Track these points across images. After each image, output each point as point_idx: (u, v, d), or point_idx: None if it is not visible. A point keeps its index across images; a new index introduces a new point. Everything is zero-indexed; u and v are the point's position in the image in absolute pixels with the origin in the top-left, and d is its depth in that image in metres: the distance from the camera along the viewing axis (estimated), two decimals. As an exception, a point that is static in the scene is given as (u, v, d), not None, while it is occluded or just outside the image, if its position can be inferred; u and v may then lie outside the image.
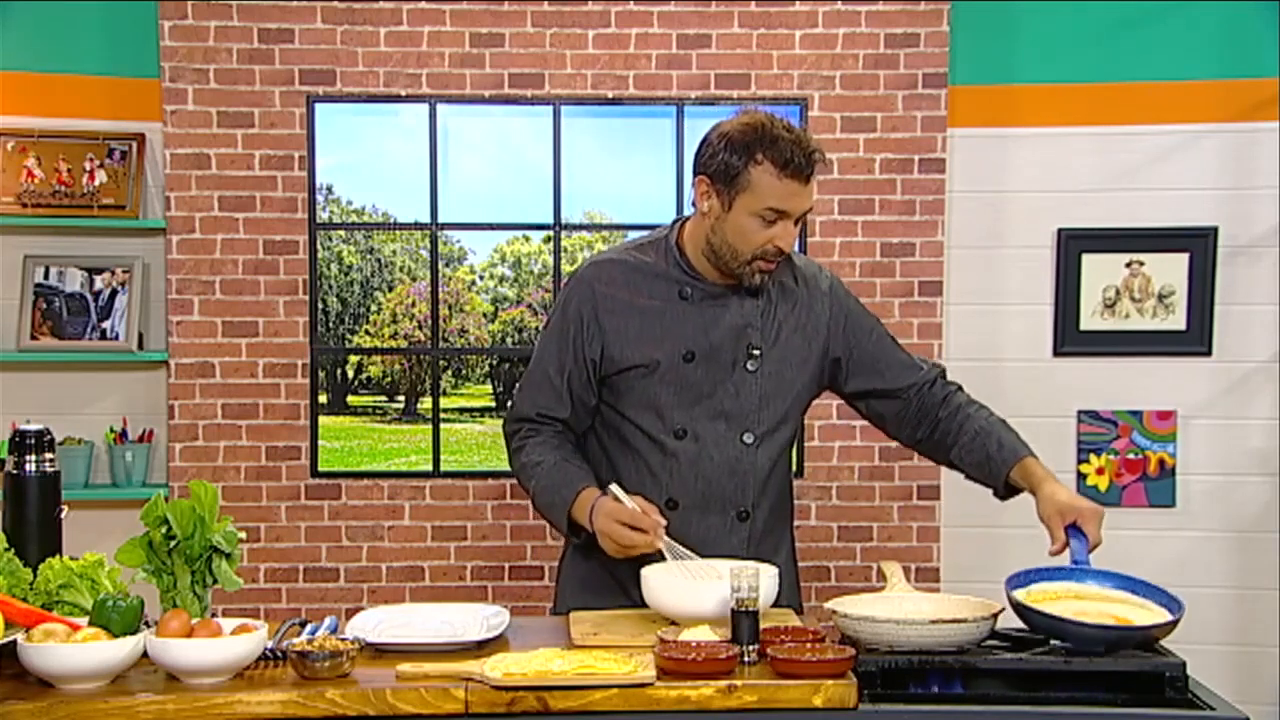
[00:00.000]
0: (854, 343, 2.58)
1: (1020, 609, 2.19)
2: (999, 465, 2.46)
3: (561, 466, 2.48)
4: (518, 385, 2.61)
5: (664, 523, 2.37)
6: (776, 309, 2.51)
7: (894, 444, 4.09)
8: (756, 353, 2.48)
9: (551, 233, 4.20)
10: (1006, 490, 2.50)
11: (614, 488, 2.41)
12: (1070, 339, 4.27)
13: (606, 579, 2.52)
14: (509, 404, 2.63)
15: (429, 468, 4.22)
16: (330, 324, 4.19)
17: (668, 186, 4.19)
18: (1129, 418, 4.27)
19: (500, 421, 4.12)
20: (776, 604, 2.35)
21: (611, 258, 2.56)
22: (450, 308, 4.21)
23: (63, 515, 2.34)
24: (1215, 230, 4.21)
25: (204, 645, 1.95)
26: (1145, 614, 2.20)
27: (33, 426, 2.34)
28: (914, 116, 4.17)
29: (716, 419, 2.49)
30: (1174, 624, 2.15)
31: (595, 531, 2.40)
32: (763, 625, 2.13)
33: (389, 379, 4.23)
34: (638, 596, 2.33)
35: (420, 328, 4.21)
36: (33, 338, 4.15)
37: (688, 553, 2.37)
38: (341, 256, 4.19)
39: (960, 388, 2.60)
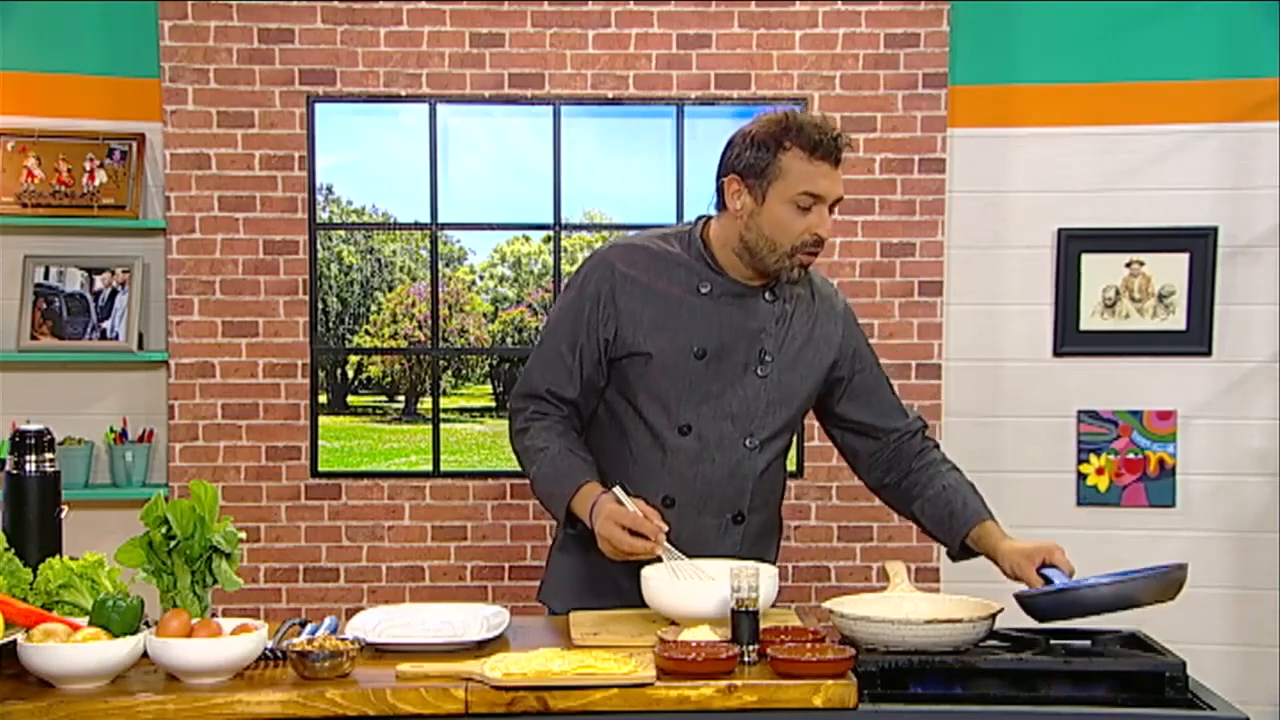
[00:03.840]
0: (858, 368, 2.60)
1: (1028, 600, 2.20)
2: (960, 523, 2.49)
3: (565, 456, 2.47)
4: (528, 359, 2.60)
5: (666, 528, 2.35)
6: (792, 319, 2.52)
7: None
8: (768, 359, 2.48)
9: (551, 233, 4.21)
10: (961, 551, 2.53)
11: (617, 489, 2.39)
12: (1070, 339, 4.27)
13: (599, 572, 2.50)
14: (517, 378, 2.60)
15: (429, 468, 4.22)
16: (330, 324, 4.20)
17: (668, 186, 4.19)
18: (1129, 418, 4.27)
19: (501, 421, 4.15)
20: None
21: (634, 242, 2.55)
22: (450, 308, 4.21)
23: (63, 515, 2.34)
24: (1215, 230, 4.21)
25: (204, 645, 1.95)
26: None
27: (33, 426, 2.34)
28: (914, 116, 4.17)
29: (723, 420, 2.48)
30: (1179, 578, 2.14)
31: (594, 532, 2.39)
32: (763, 625, 2.13)
33: (389, 379, 4.23)
34: (628, 590, 2.33)
35: (420, 328, 4.21)
36: (33, 338, 4.15)
37: (688, 560, 2.36)
38: (341, 256, 4.19)
39: (937, 445, 2.65)
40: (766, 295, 2.49)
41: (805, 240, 2.40)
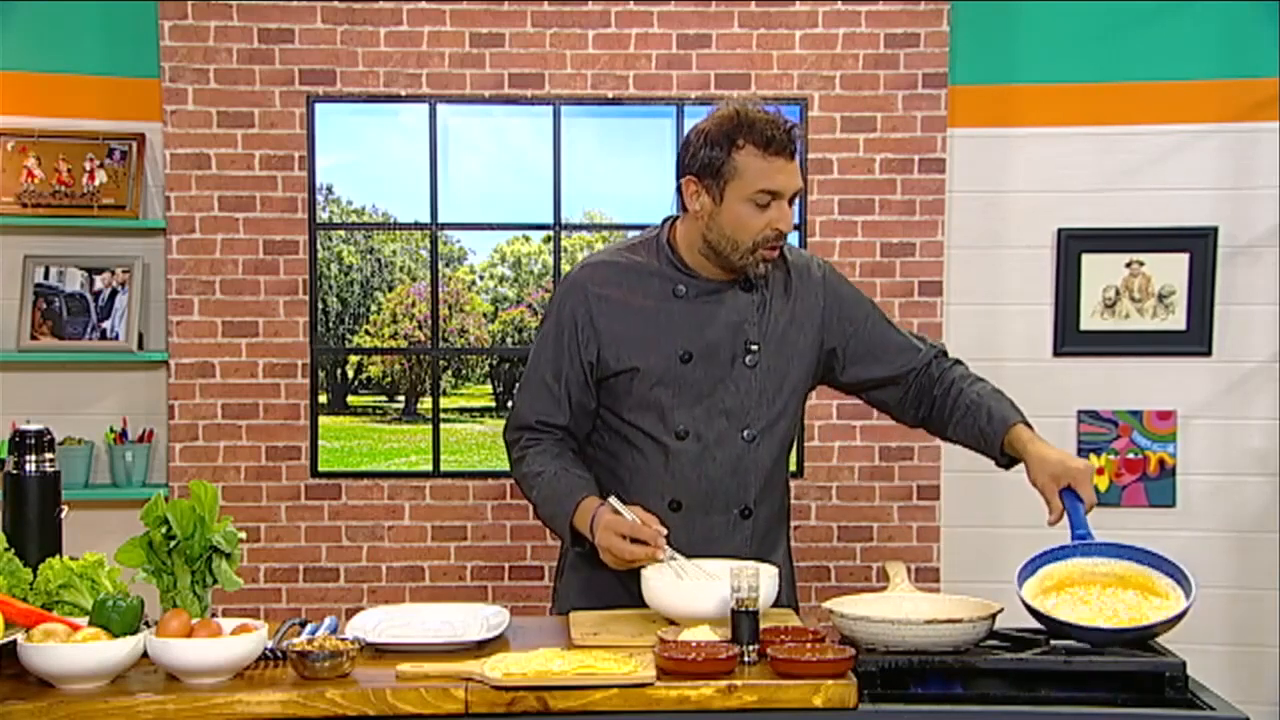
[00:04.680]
0: (850, 331, 2.56)
1: (1031, 612, 2.20)
2: (991, 437, 2.46)
3: (562, 476, 2.47)
4: (515, 392, 2.60)
5: (665, 532, 2.34)
6: (771, 303, 2.50)
7: (894, 444, 4.15)
8: (754, 348, 2.48)
9: (551, 233, 4.20)
10: (1006, 459, 2.49)
11: (612, 500, 2.39)
12: (1070, 339, 4.27)
13: (611, 584, 2.49)
14: (509, 410, 2.60)
15: (429, 468, 4.22)
16: (330, 324, 4.20)
17: (668, 186, 4.13)
18: (1129, 418, 4.27)
19: (500, 421, 4.14)
20: (776, 603, 2.34)
21: (603, 259, 2.55)
22: (450, 308, 4.21)
23: (63, 515, 2.34)
24: (1215, 230, 4.21)
25: (204, 645, 1.95)
26: (1157, 598, 2.20)
27: (33, 426, 2.34)
28: (914, 116, 4.17)
29: (718, 417, 2.48)
30: (1184, 612, 2.15)
31: (596, 545, 2.39)
32: (763, 625, 2.13)
33: (389, 379, 4.23)
34: (642, 602, 2.32)
35: (420, 328, 4.21)
36: (33, 338, 4.15)
37: (687, 563, 2.35)
38: (341, 256, 4.19)
39: (958, 361, 2.60)
40: (742, 286, 2.48)
41: (767, 236, 2.39)
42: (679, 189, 2.45)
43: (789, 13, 4.16)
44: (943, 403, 2.54)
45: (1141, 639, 2.15)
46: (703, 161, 2.38)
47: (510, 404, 2.63)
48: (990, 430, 2.45)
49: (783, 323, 2.51)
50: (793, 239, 2.50)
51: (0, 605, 2.02)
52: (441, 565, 4.21)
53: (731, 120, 2.37)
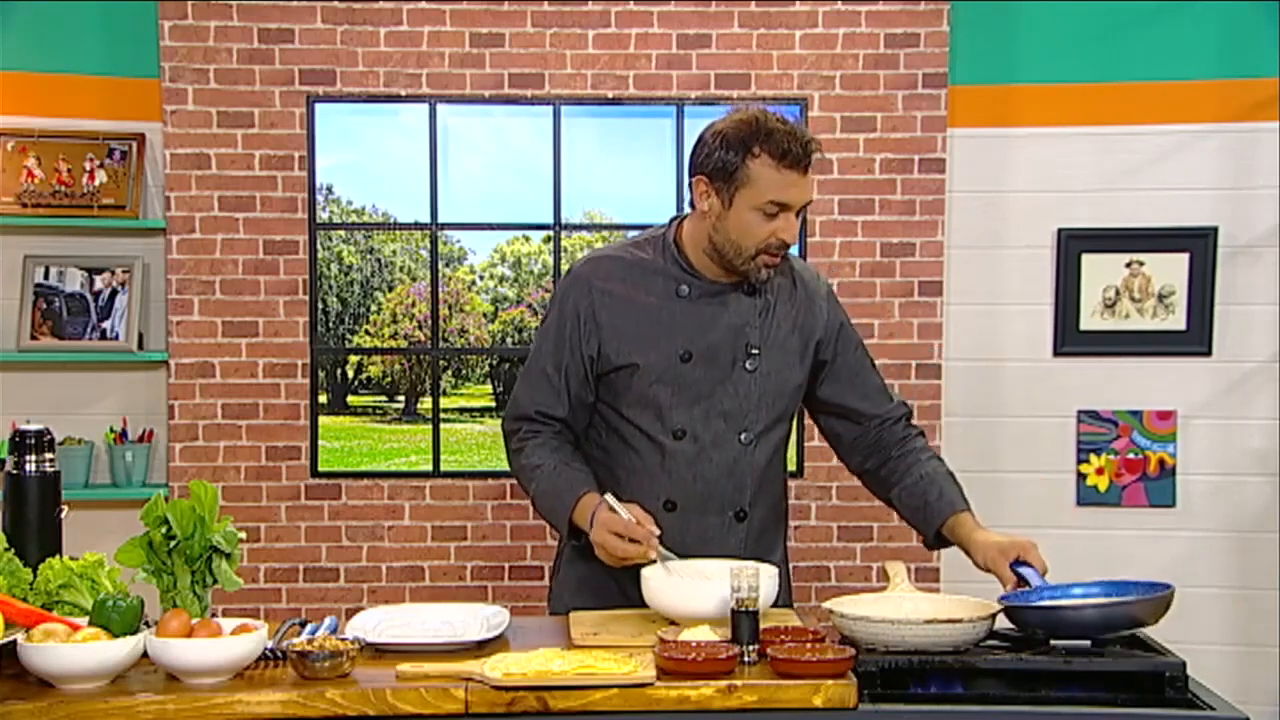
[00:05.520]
0: (840, 350, 2.58)
1: (1013, 611, 2.19)
2: (935, 514, 2.48)
3: (562, 470, 2.47)
4: (516, 383, 2.61)
5: (658, 532, 2.35)
6: (775, 308, 2.51)
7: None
8: (755, 352, 2.48)
9: (551, 233, 4.21)
10: (936, 540, 2.52)
11: (609, 497, 2.39)
12: (1070, 339, 4.27)
13: (606, 580, 2.50)
14: (516, 379, 2.61)
15: (429, 468, 4.22)
16: (330, 324, 4.20)
17: (668, 186, 4.19)
18: (1129, 418, 4.27)
19: (500, 421, 4.15)
20: (774, 604, 2.34)
21: (608, 254, 2.55)
22: (450, 308, 4.21)
23: (63, 515, 2.34)
24: (1215, 230, 4.21)
25: (204, 645, 1.95)
26: None
27: (33, 426, 2.34)
28: (914, 116, 4.17)
29: (716, 418, 2.48)
30: (1166, 599, 2.14)
31: (591, 541, 2.39)
32: (763, 625, 2.13)
33: (389, 379, 4.23)
34: (636, 598, 2.33)
35: (420, 328, 4.21)
36: (33, 338, 4.15)
37: (683, 563, 2.36)
38: (341, 256, 4.19)
39: (921, 433, 2.63)
40: (745, 289, 2.49)
41: (771, 244, 2.39)
42: (690, 185, 2.45)
43: (789, 13, 4.16)
44: (896, 465, 2.56)
45: (1131, 618, 2.13)
46: (716, 164, 2.37)
47: (509, 400, 2.62)
48: (938, 507, 2.48)
49: (785, 329, 2.51)
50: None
51: (0, 605, 2.02)
52: (441, 565, 4.21)
53: (750, 126, 2.35)
